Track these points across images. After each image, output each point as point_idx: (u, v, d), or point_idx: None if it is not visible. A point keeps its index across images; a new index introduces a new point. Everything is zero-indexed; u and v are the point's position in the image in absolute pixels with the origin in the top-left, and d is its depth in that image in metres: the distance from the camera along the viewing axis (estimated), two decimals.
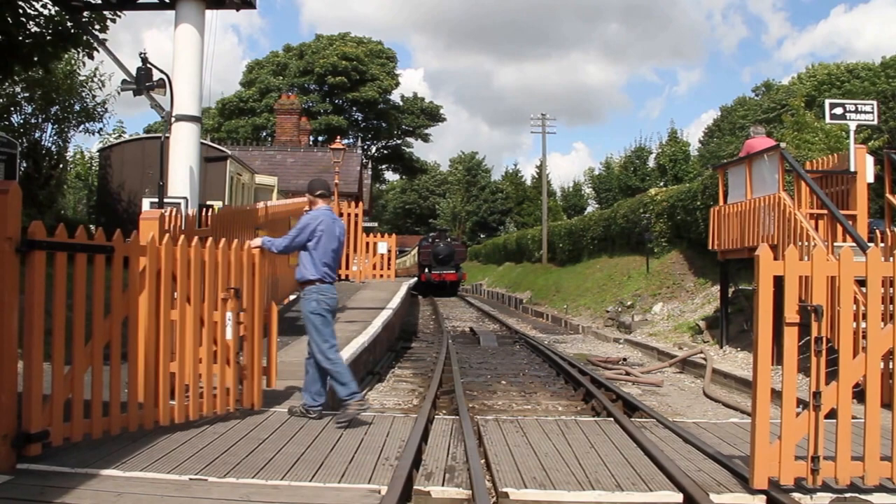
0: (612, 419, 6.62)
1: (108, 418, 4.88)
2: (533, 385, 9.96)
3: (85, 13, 10.69)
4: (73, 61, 17.50)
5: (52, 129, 18.48)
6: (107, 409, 4.86)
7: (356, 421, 5.78)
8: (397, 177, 65.92)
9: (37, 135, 18.07)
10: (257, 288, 6.08)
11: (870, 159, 10.25)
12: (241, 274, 5.90)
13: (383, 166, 58.88)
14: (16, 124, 17.67)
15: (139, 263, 5.09)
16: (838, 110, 10.29)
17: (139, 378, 5.05)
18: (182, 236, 5.61)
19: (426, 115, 56.19)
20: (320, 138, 45.02)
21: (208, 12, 9.81)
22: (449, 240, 35.44)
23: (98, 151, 20.73)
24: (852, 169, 10.07)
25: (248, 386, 5.99)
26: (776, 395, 4.54)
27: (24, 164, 16.78)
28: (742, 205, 11.03)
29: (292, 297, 12.69)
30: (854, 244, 8.42)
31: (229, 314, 5.68)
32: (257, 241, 6.20)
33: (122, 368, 5.08)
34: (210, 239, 5.73)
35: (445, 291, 33.46)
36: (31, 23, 11.21)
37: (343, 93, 49.57)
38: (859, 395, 4.45)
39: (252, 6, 10.12)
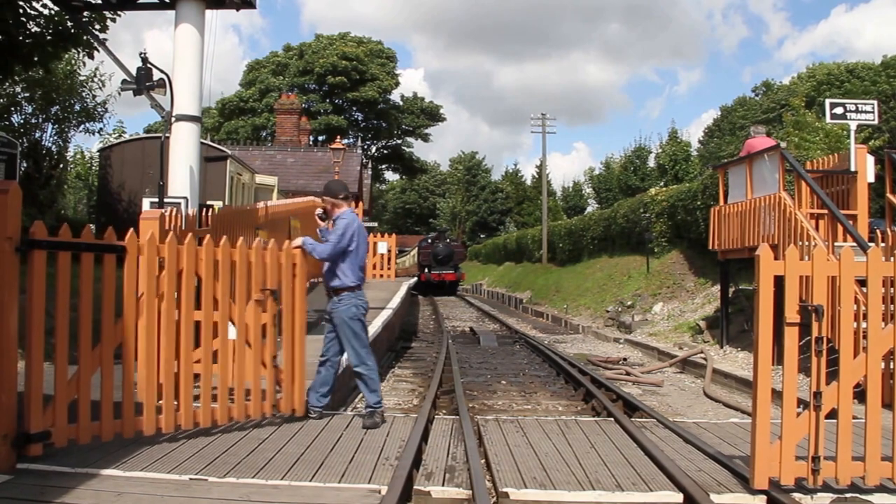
0: (612, 419, 6.61)
1: (121, 421, 4.74)
2: (533, 385, 9.95)
3: (85, 13, 10.67)
4: (73, 61, 17.49)
5: (53, 129, 18.50)
6: (119, 411, 4.74)
7: (356, 421, 5.81)
8: (397, 177, 65.98)
9: (37, 135, 18.08)
10: (298, 289, 5.83)
11: (870, 159, 10.25)
12: (278, 275, 5.69)
13: (383, 166, 58.89)
14: (16, 124, 17.68)
15: (155, 263, 4.94)
16: (839, 110, 10.29)
17: (154, 380, 4.90)
18: (208, 235, 5.40)
19: (426, 115, 56.20)
20: (320, 138, 45.01)
21: (208, 12, 9.80)
22: (448, 240, 35.91)
23: (98, 151, 20.74)
24: (853, 169, 10.07)
25: (286, 390, 5.75)
26: (777, 395, 4.53)
27: (25, 164, 16.79)
28: (742, 205, 11.03)
29: None
30: (855, 244, 8.42)
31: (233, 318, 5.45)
32: (298, 241, 5.98)
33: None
34: (241, 238, 5.57)
35: (445, 291, 33.77)
36: (31, 23, 11.21)
37: (343, 92, 49.56)
38: (860, 395, 4.45)
39: (252, 6, 10.11)
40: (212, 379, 5.33)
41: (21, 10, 10.85)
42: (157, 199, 9.08)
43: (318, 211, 6.22)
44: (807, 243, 8.95)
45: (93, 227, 4.87)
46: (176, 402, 5.06)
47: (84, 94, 18.85)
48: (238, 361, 5.44)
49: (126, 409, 4.77)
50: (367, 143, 53.56)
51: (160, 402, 4.97)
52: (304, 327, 5.89)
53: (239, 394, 5.43)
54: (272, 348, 5.61)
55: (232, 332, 5.43)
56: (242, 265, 5.45)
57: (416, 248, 38.44)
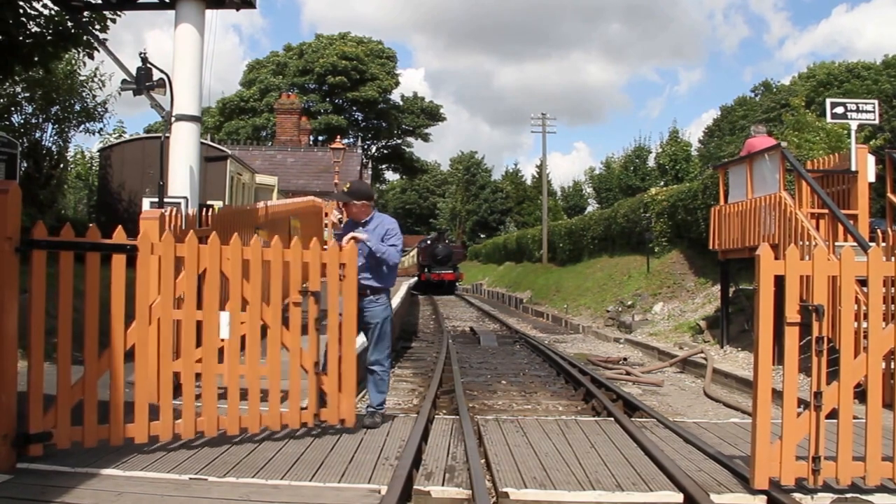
0: (612, 419, 6.61)
1: (134, 425, 4.58)
2: (533, 385, 9.95)
3: (85, 13, 10.66)
4: (73, 61, 17.48)
5: (53, 129, 18.47)
6: (131, 414, 4.59)
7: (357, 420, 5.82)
8: (397, 177, 66.00)
9: (37, 135, 18.06)
10: (348, 290, 5.38)
11: (871, 158, 10.25)
12: (320, 275, 5.30)
13: (383, 166, 58.90)
14: (16, 124, 17.65)
15: (172, 263, 4.74)
16: (839, 109, 10.29)
17: (169, 383, 4.73)
18: (235, 233, 5.11)
19: (426, 115, 56.20)
20: (320, 138, 45.04)
21: (209, 12, 9.80)
22: (447, 241, 37.71)
23: (98, 151, 20.75)
24: (853, 168, 10.06)
25: (332, 398, 5.34)
26: (777, 395, 4.53)
27: (25, 164, 16.76)
28: (743, 204, 11.02)
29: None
30: (855, 244, 8.41)
31: (225, 314, 4.99)
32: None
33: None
34: (276, 237, 5.26)
35: (444, 290, 34.71)
36: (31, 23, 11.18)
37: (343, 92, 49.57)
38: (860, 395, 4.45)
39: (252, 6, 10.11)
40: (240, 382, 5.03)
41: (21, 10, 10.84)
42: (157, 199, 9.08)
43: (337, 216, 6.10)
44: (807, 243, 8.94)
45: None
46: (199, 406, 4.86)
47: (84, 94, 18.82)
48: (270, 365, 5.10)
49: (138, 413, 4.61)
50: (368, 142, 53.59)
51: (179, 402, 4.78)
52: (354, 331, 5.46)
53: (273, 400, 5.11)
54: (314, 353, 5.28)
55: (224, 331, 4.99)
56: (277, 265, 5.13)
57: (416, 249, 39.38)
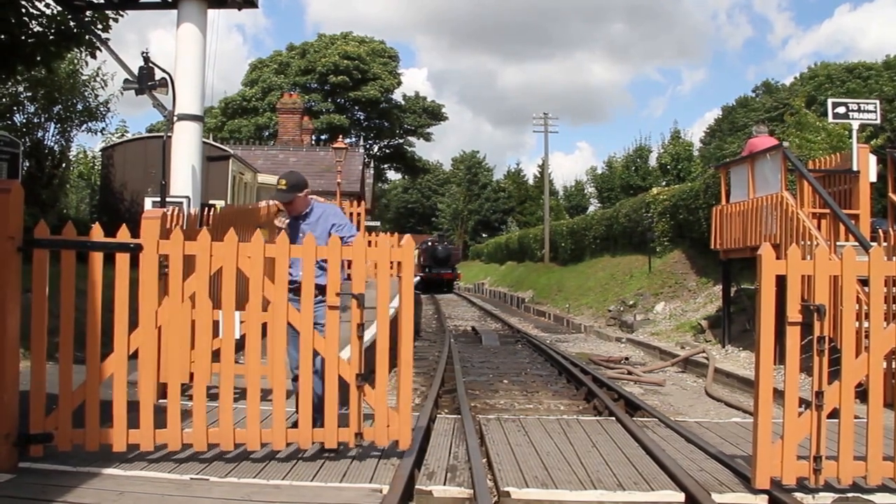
0: (613, 418, 6.62)
1: (139, 431, 4.41)
2: (535, 384, 9.95)
3: (87, 12, 10.69)
4: (75, 61, 17.50)
5: (55, 128, 18.50)
6: (136, 419, 4.44)
7: None
8: (399, 176, 66.02)
9: (39, 134, 18.08)
10: (404, 293, 4.68)
11: (873, 158, 10.24)
12: (363, 275, 4.62)
13: (385, 165, 58.88)
14: (19, 124, 17.68)
15: (180, 262, 4.47)
16: (841, 109, 10.28)
17: (177, 390, 4.51)
18: (258, 230, 4.71)
19: (428, 115, 56.20)
20: (322, 137, 44.99)
21: (211, 12, 9.83)
22: (446, 243, 40.44)
23: (101, 151, 20.76)
24: (855, 168, 10.05)
25: (380, 416, 4.65)
26: (778, 395, 4.53)
27: (27, 164, 16.78)
28: (744, 204, 11.01)
29: None
30: (857, 243, 8.40)
31: (238, 314, 4.60)
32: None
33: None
34: (310, 234, 4.78)
35: (443, 288, 36.95)
36: (33, 22, 11.20)
37: (345, 92, 49.56)
38: (862, 394, 4.45)
39: (254, 5, 10.13)
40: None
41: (23, 10, 10.85)
42: (159, 199, 9.10)
43: (285, 221, 5.38)
44: (809, 243, 8.93)
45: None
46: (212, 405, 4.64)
47: (86, 93, 18.86)
48: (303, 379, 4.61)
49: (143, 421, 4.44)
50: (370, 142, 53.61)
51: (191, 406, 4.57)
52: (411, 337, 4.76)
53: (304, 415, 4.60)
54: (356, 364, 4.63)
55: (236, 331, 4.61)
56: (309, 264, 4.62)
57: (418, 250, 40.78)
